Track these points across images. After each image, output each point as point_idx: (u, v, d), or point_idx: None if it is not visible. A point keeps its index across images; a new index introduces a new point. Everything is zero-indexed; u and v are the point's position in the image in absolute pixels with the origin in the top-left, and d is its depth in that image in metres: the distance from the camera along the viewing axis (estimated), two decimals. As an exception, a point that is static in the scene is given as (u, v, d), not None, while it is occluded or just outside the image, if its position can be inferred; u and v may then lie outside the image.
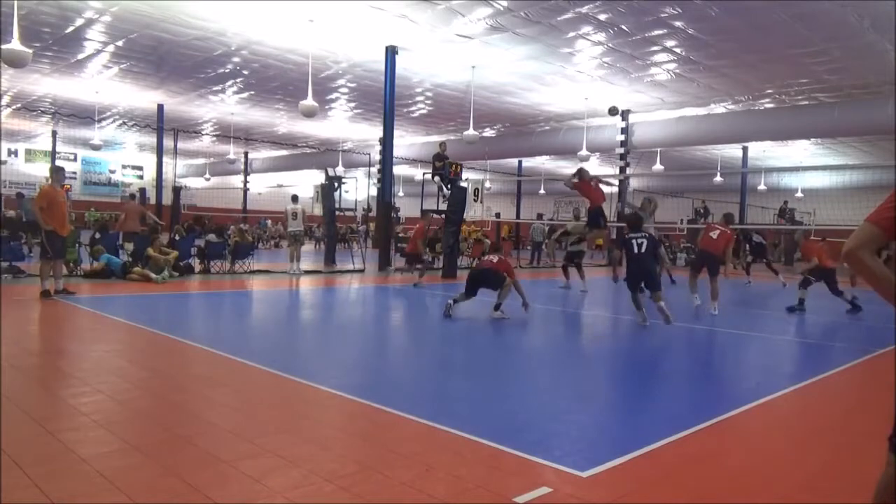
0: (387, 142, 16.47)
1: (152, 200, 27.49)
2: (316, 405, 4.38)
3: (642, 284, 8.05)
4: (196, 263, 13.62)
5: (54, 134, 30.80)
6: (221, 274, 13.58)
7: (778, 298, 12.23)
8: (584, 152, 20.68)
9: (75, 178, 37.00)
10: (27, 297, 9.10)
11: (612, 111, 18.09)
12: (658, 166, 24.72)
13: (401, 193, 28.75)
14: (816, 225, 23.11)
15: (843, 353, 6.91)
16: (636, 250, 7.99)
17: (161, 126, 23.50)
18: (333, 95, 20.26)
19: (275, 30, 14.14)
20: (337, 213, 18.00)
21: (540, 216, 31.41)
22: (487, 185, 24.68)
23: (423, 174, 18.93)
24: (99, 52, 16.34)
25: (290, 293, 11.54)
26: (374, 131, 24.32)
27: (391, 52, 15.35)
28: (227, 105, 22.70)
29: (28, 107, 22.73)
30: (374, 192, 20.68)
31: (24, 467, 2.94)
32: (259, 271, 14.19)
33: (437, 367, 5.93)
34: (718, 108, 20.17)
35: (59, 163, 30.50)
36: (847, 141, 23.37)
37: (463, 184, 16.33)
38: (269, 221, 33.85)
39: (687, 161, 28.65)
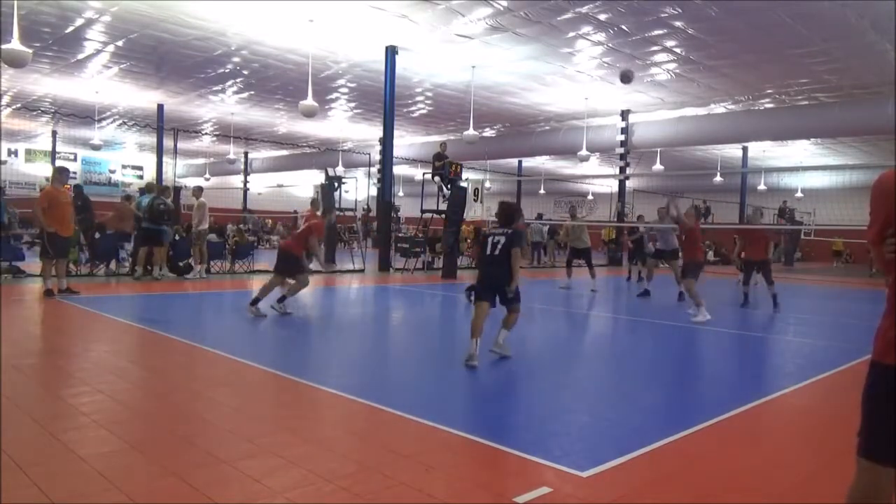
0: (387, 142, 16.47)
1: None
2: (316, 405, 4.39)
3: (496, 297, 5.89)
4: (196, 263, 13.61)
5: (54, 134, 30.78)
6: (221, 274, 13.59)
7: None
8: (584, 152, 20.69)
9: (75, 178, 36.90)
10: (28, 296, 9.11)
11: (625, 77, 14.01)
12: (658, 166, 24.71)
13: (401, 193, 28.74)
14: (816, 225, 23.16)
15: (844, 353, 6.91)
16: (489, 251, 5.87)
17: (161, 126, 23.47)
18: (333, 95, 20.26)
19: (275, 30, 14.13)
20: (337, 213, 17.99)
21: (540, 216, 31.41)
22: (487, 185, 24.67)
23: (423, 174, 18.92)
24: (99, 52, 16.33)
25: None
26: (374, 131, 24.31)
27: (391, 52, 15.35)
28: (227, 105, 22.69)
29: (28, 107, 22.71)
30: (374, 192, 20.69)
31: (24, 467, 2.94)
32: (259, 271, 14.19)
33: (438, 366, 5.92)
34: (718, 108, 20.18)
35: (59, 163, 30.50)
36: (847, 141, 23.36)
37: (463, 184, 16.34)
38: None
39: (687, 161, 28.64)
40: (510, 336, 5.90)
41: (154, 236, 11.82)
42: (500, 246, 5.78)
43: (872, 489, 1.85)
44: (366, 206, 25.75)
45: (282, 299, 8.19)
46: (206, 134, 27.85)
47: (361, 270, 15.61)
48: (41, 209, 9.01)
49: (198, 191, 13.30)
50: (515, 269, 5.76)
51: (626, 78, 13.70)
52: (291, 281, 8.43)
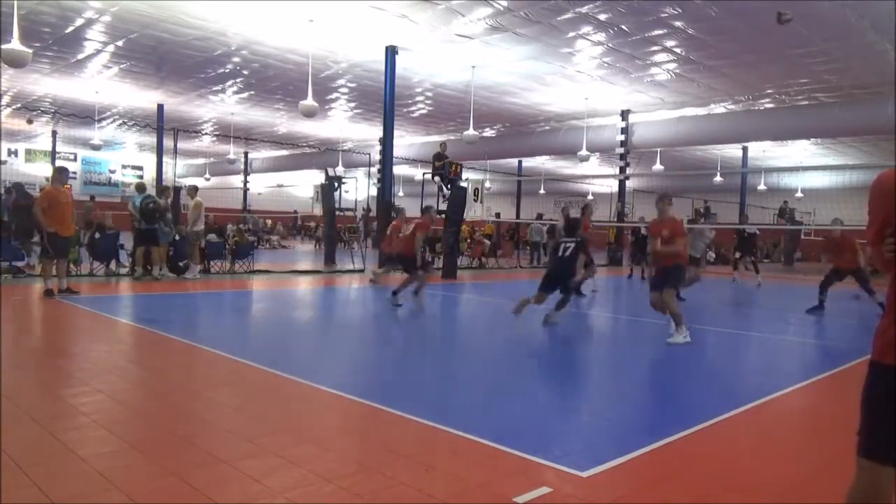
0: (387, 142, 16.47)
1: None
2: (316, 405, 4.38)
3: (555, 289, 7.92)
4: (194, 263, 13.60)
5: (54, 134, 30.78)
6: (221, 274, 13.59)
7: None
8: (584, 152, 20.68)
9: (75, 178, 36.94)
10: (28, 296, 9.11)
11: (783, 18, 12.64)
12: (658, 166, 24.70)
13: (401, 193, 28.74)
14: (816, 225, 23.15)
15: (844, 353, 6.91)
16: (560, 253, 7.88)
17: (161, 126, 23.48)
18: (333, 95, 20.26)
19: (275, 30, 14.13)
20: (337, 213, 17.99)
21: (540, 216, 31.41)
22: (487, 185, 24.69)
23: (423, 174, 18.91)
24: (99, 52, 16.33)
25: (290, 293, 11.53)
26: (374, 131, 24.31)
27: (391, 52, 15.35)
28: (227, 105, 22.70)
29: (28, 107, 22.71)
30: (374, 192, 20.70)
31: (24, 467, 2.94)
32: (259, 271, 14.19)
33: (437, 367, 5.93)
34: (718, 108, 20.17)
35: (59, 163, 30.47)
36: (847, 141, 23.36)
37: (463, 184, 16.33)
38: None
39: (687, 161, 28.63)
40: (561, 318, 7.86)
41: (149, 236, 11.81)
42: (569, 251, 7.73)
43: (872, 489, 1.85)
44: (366, 207, 25.74)
45: (417, 291, 9.25)
46: (206, 134, 27.85)
47: (361, 270, 15.61)
48: (41, 209, 9.01)
49: (193, 190, 13.16)
50: (579, 266, 8.00)
51: (784, 19, 12.21)
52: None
